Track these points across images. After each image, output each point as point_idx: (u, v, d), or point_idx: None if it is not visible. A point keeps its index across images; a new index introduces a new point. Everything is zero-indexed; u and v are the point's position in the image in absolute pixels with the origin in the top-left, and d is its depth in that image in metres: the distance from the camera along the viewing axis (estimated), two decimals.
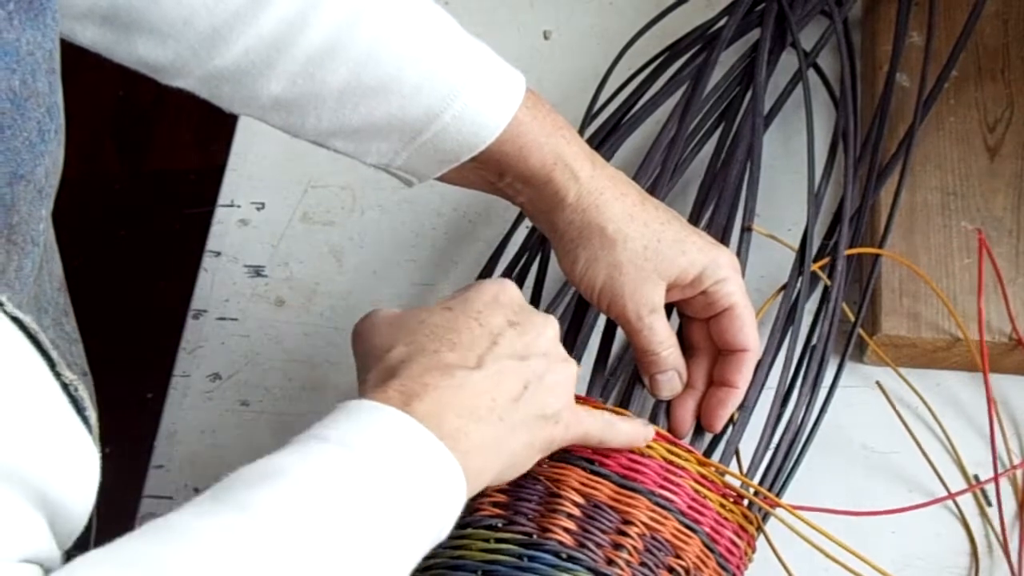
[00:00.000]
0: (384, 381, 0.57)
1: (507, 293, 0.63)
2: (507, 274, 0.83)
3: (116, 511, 0.91)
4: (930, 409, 0.86)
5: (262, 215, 0.97)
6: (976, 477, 0.84)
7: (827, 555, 0.70)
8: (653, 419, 0.72)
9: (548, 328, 0.63)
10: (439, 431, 0.55)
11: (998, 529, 0.81)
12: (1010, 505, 0.82)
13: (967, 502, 0.83)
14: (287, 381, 0.90)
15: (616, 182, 0.71)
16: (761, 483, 0.72)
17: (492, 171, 0.69)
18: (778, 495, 0.73)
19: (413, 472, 0.53)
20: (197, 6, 0.59)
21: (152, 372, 0.97)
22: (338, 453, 0.53)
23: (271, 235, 0.96)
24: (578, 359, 0.76)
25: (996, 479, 0.82)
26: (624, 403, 0.72)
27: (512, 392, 0.59)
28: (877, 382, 0.87)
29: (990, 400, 0.83)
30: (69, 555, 0.77)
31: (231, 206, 0.98)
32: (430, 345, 0.59)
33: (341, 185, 0.98)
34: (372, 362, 0.60)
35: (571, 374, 0.63)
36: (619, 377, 0.79)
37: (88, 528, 0.82)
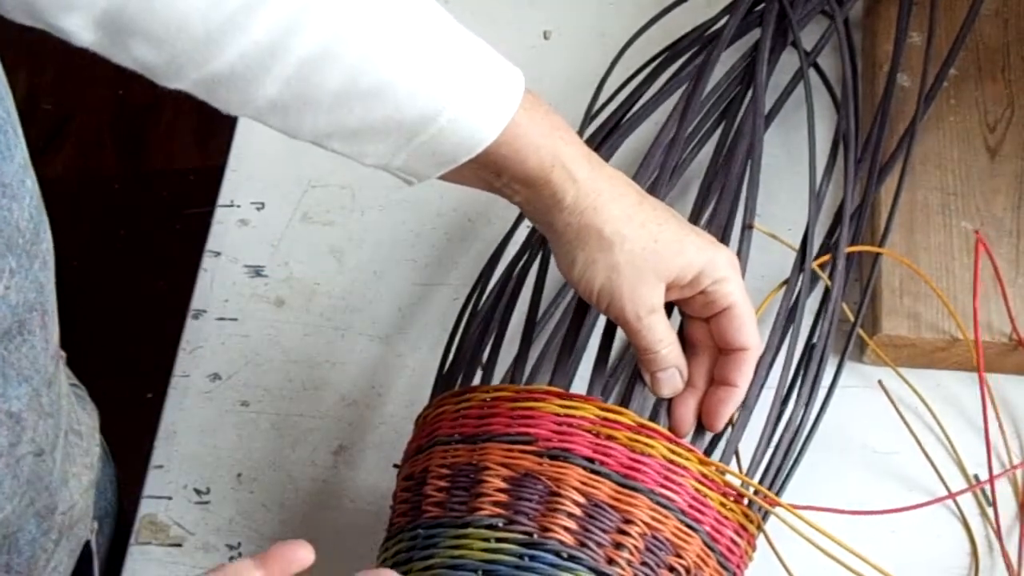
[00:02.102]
0: None
1: None
2: (507, 274, 0.83)
3: (116, 511, 0.91)
4: (930, 409, 0.86)
5: (262, 215, 0.97)
6: (976, 477, 0.84)
7: (827, 554, 0.70)
8: (654, 418, 0.72)
9: None
10: None
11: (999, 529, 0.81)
12: (1010, 505, 0.82)
13: (967, 502, 0.83)
14: (287, 381, 0.90)
15: (614, 183, 0.71)
16: (761, 482, 0.72)
17: (490, 171, 0.69)
18: (778, 494, 0.73)
19: None
20: (191, 11, 0.59)
21: (152, 372, 0.97)
22: None
23: (271, 235, 0.97)
24: (578, 359, 0.77)
25: (1011, 478, 0.82)
26: (625, 402, 0.72)
27: None
28: (878, 382, 0.87)
29: (984, 399, 0.84)
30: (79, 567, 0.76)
31: (231, 206, 0.98)
32: None
33: (341, 185, 0.98)
34: None
35: None
36: (618, 377, 0.79)
37: (88, 529, 0.82)
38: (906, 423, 0.85)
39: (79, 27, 0.59)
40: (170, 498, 0.86)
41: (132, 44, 0.60)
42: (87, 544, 0.82)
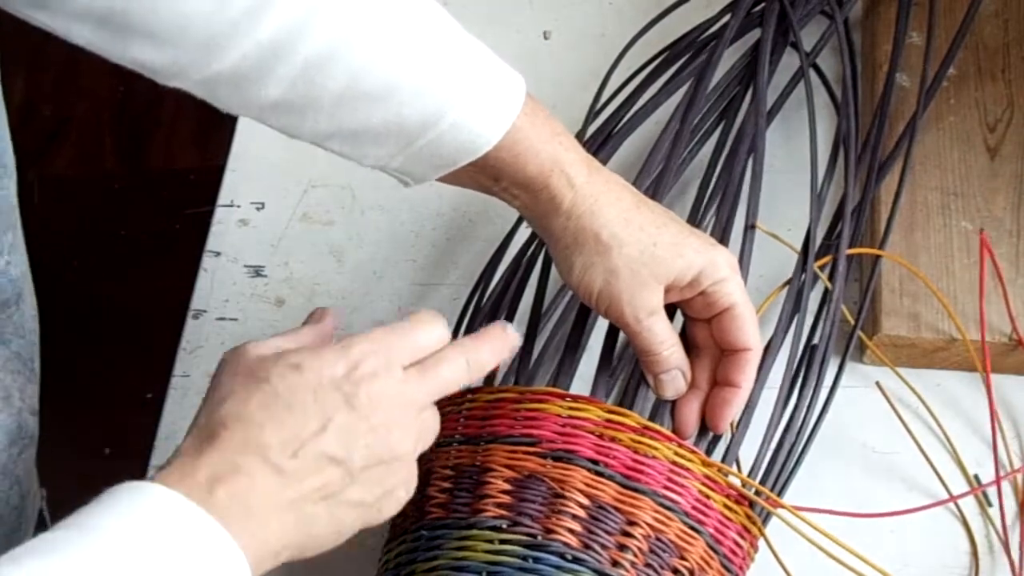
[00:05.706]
0: (199, 448, 0.54)
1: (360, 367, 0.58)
2: (509, 274, 0.83)
3: None
4: (930, 409, 0.86)
5: (262, 215, 0.97)
6: (976, 477, 0.84)
7: (828, 554, 0.70)
8: (657, 419, 0.72)
9: (396, 419, 0.58)
10: (235, 522, 0.52)
11: (998, 529, 0.81)
12: (1010, 505, 0.82)
13: (967, 502, 0.83)
14: None
15: (612, 186, 0.71)
16: (762, 483, 0.72)
17: (488, 176, 0.69)
18: (779, 495, 0.73)
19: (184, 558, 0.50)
20: (194, 14, 0.59)
21: (152, 372, 0.97)
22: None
23: (271, 235, 0.96)
24: (579, 359, 0.76)
25: (1012, 479, 0.82)
26: (627, 402, 0.72)
27: (330, 488, 0.56)
28: (877, 382, 0.87)
29: (991, 400, 0.84)
30: None
31: (231, 206, 0.98)
32: (258, 415, 0.55)
33: (341, 185, 0.98)
34: (207, 406, 0.57)
35: (411, 474, 0.60)
36: (619, 376, 0.79)
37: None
38: (905, 424, 0.85)
39: (81, 26, 0.59)
40: None
41: (133, 44, 0.60)
42: None
